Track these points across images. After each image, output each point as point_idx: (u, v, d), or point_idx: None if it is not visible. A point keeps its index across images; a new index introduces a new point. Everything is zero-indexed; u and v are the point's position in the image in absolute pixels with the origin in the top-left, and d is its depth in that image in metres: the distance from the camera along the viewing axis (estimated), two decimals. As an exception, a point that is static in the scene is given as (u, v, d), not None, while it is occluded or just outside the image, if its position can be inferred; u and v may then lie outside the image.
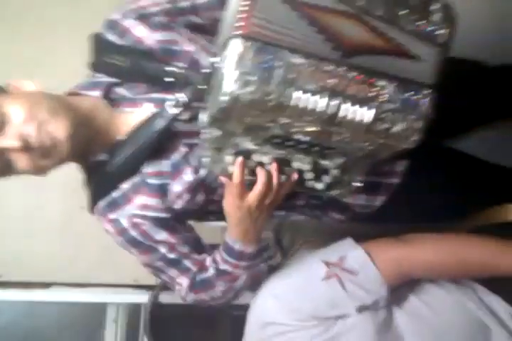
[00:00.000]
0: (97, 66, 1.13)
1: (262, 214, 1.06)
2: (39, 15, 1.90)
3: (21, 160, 1.00)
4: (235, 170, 0.98)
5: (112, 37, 1.11)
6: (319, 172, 1.03)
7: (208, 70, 0.95)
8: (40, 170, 1.04)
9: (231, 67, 0.82)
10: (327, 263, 1.12)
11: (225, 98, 0.84)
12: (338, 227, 1.38)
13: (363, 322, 1.09)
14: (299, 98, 0.85)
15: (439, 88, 0.94)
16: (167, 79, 1.04)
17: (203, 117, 0.96)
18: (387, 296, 1.10)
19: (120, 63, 1.08)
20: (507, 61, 1.42)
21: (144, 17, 1.11)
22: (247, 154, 0.99)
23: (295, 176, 1.02)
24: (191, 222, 1.23)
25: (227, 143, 0.98)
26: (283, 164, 1.01)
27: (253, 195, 1.01)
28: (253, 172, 1.00)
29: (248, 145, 0.98)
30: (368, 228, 1.36)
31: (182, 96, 1.03)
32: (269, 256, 1.36)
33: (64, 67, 1.81)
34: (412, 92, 0.91)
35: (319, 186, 1.05)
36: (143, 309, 1.99)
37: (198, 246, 1.19)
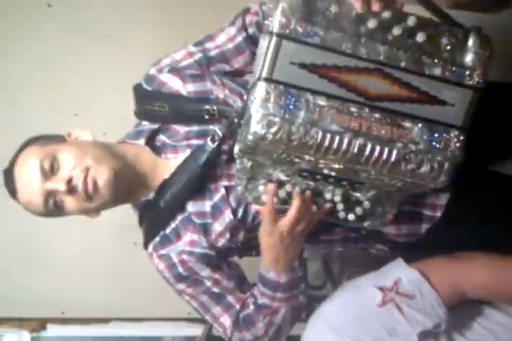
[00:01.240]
0: (140, 114, 1.23)
1: (293, 242, 1.08)
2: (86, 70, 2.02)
3: (68, 202, 1.11)
4: (266, 196, 1.03)
5: (150, 88, 1.21)
6: (350, 203, 1.05)
7: (241, 105, 1.02)
8: (86, 212, 1.16)
9: (256, 109, 0.88)
10: (382, 289, 1.10)
11: (250, 137, 0.89)
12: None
13: None
14: (322, 138, 0.89)
15: (469, 129, 0.93)
16: (206, 116, 1.12)
17: (236, 148, 1.01)
18: (447, 318, 1.07)
19: (160, 108, 1.17)
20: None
21: (177, 70, 1.20)
22: (279, 184, 1.03)
23: (327, 205, 1.05)
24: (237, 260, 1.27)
25: (259, 174, 1.02)
26: (314, 195, 1.04)
27: (286, 220, 1.04)
28: (285, 202, 1.04)
29: (280, 175, 1.02)
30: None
31: (219, 130, 1.10)
32: (313, 286, 1.33)
33: (104, 113, 1.95)
34: (439, 134, 0.92)
35: (351, 217, 1.06)
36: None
37: (243, 284, 1.23)
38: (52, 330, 2.03)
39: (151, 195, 1.18)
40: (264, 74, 0.88)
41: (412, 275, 1.10)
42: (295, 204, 1.03)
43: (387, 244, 1.27)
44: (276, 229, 1.05)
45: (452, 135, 0.93)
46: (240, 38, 1.20)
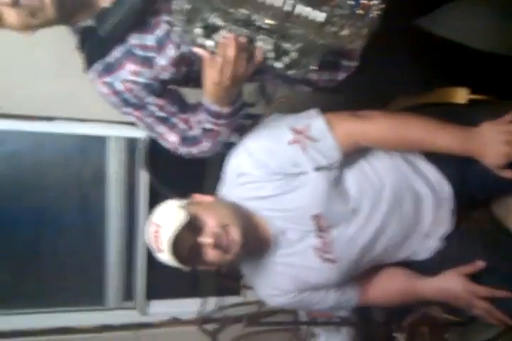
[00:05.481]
0: None
1: (233, 84, 1.17)
2: None
3: (11, 15, 1.09)
4: (232, 47, 1.08)
5: None
6: (280, 53, 1.14)
7: None
8: (26, 27, 1.14)
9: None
10: (294, 130, 1.31)
11: None
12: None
13: (318, 178, 1.30)
14: None
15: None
16: None
17: None
18: (340, 161, 1.31)
19: None
20: None
21: None
22: (215, 29, 1.09)
23: (260, 51, 1.12)
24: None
25: (196, 17, 1.07)
26: (247, 41, 1.11)
27: (224, 64, 1.11)
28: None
29: (216, 21, 1.07)
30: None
31: None
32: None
33: None
34: (362, 1, 0.99)
35: (278, 65, 1.17)
36: (140, 143, 2.23)
37: (183, 106, 1.34)
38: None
39: (90, 22, 1.20)
40: None
41: (320, 123, 1.30)
42: (231, 46, 1.08)
43: (310, 86, 1.42)
44: (215, 72, 1.13)
45: (373, 2, 1.01)
46: None
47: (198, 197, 1.37)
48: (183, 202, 1.31)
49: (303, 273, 1.41)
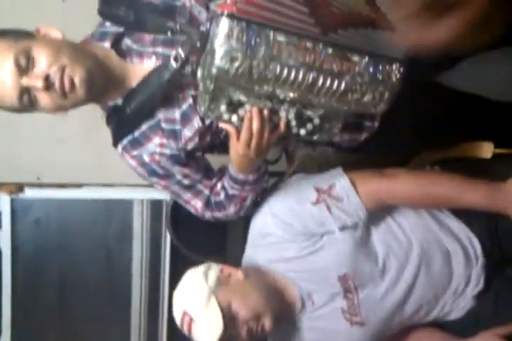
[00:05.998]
0: (105, 14, 1.23)
1: (257, 154, 1.20)
2: None
3: (43, 99, 1.13)
4: (256, 121, 1.12)
5: None
6: (303, 120, 1.17)
7: (204, 29, 1.06)
8: (59, 109, 1.18)
9: (219, 44, 0.95)
10: (318, 190, 1.31)
11: (214, 70, 0.98)
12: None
13: (343, 238, 1.29)
14: (280, 72, 0.99)
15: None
16: (168, 35, 1.16)
17: (199, 73, 1.08)
18: (365, 220, 1.30)
19: (125, 14, 1.18)
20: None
21: None
22: (239, 104, 1.12)
23: (282, 123, 1.15)
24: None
25: (221, 95, 1.10)
26: (271, 113, 1.14)
27: (248, 138, 1.15)
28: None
29: (240, 97, 1.10)
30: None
31: (181, 51, 1.14)
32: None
33: None
34: (382, 67, 1.02)
35: (302, 132, 1.19)
36: (164, 205, 2.25)
37: (208, 172, 1.36)
38: (30, 193, 2.14)
39: (119, 101, 1.24)
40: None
41: (344, 182, 1.30)
42: (255, 120, 1.12)
43: (332, 147, 1.43)
44: (241, 145, 1.17)
45: (394, 67, 1.04)
46: None
47: (227, 270, 1.34)
48: (213, 282, 1.28)
49: (330, 337, 1.38)
